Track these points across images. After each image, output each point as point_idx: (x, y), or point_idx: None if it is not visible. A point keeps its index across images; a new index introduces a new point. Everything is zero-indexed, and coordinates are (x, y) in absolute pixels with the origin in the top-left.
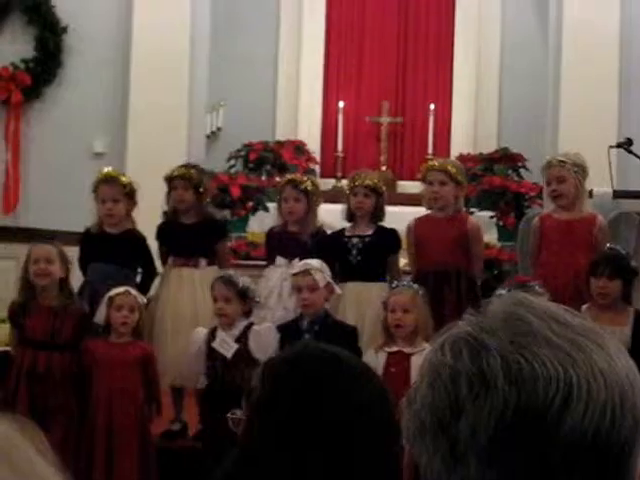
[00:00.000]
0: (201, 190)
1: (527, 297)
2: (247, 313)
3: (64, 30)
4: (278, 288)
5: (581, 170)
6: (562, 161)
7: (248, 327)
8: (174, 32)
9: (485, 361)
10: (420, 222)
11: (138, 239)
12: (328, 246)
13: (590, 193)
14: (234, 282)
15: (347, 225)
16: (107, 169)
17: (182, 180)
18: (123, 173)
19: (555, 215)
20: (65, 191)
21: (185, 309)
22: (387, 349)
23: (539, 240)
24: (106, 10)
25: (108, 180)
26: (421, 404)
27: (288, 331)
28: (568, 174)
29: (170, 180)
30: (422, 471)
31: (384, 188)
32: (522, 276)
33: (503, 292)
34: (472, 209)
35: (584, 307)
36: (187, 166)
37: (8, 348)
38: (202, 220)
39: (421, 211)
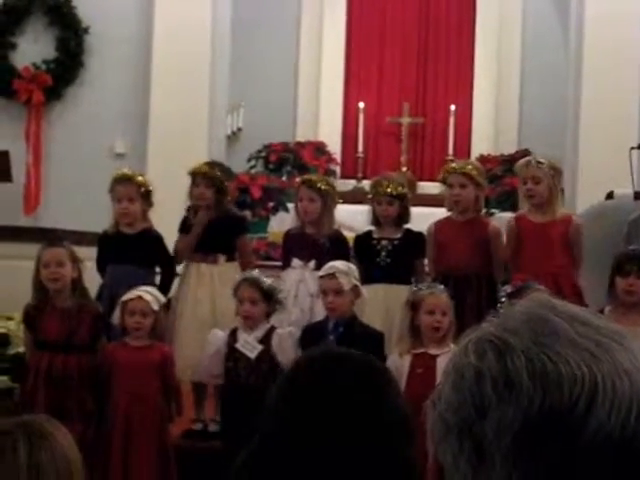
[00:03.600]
0: (221, 189)
1: (550, 299)
2: (269, 314)
3: (85, 31)
4: (294, 290)
5: (556, 173)
6: (540, 162)
7: (271, 330)
8: (195, 33)
9: (510, 361)
10: (440, 225)
11: (155, 238)
12: (356, 248)
13: (611, 194)
14: (260, 283)
15: (373, 228)
16: (124, 169)
17: (204, 178)
18: (140, 173)
19: (530, 217)
20: (86, 192)
21: (204, 305)
22: (413, 351)
23: (515, 240)
24: (127, 11)
25: (123, 180)
26: (445, 405)
27: (313, 332)
28: (544, 176)
29: (193, 176)
30: (447, 472)
31: (407, 192)
32: (521, 275)
33: (508, 290)
34: (492, 210)
35: (607, 309)
36: (211, 164)
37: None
38: (221, 216)
39: (441, 212)
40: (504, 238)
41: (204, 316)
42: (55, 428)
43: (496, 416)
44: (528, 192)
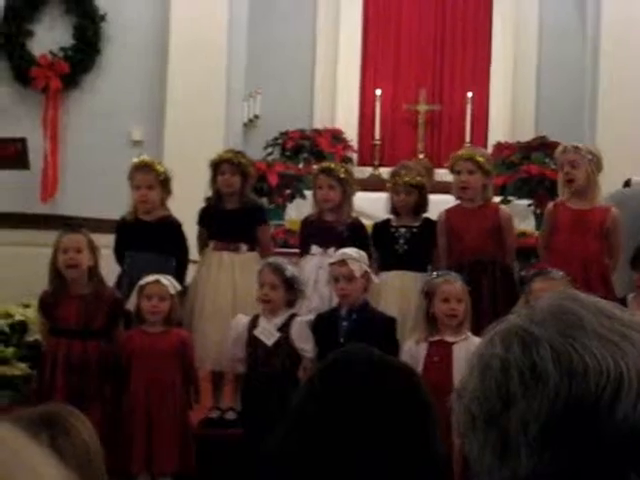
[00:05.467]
0: (247, 176)
1: (576, 292)
2: (291, 303)
3: (102, 18)
4: (314, 277)
5: (595, 159)
6: (577, 147)
7: (291, 317)
8: (212, 20)
9: (536, 352)
10: (451, 213)
11: (173, 226)
12: (374, 236)
13: (628, 182)
14: (282, 269)
15: (392, 216)
16: (143, 156)
17: (231, 165)
18: (159, 161)
19: (568, 204)
20: (103, 179)
21: (225, 294)
22: (429, 338)
23: (551, 226)
24: None
25: (143, 167)
26: (471, 397)
27: (326, 319)
28: (582, 160)
29: (217, 164)
30: (472, 464)
31: (425, 181)
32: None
33: (525, 274)
34: (509, 197)
35: (630, 296)
36: (234, 151)
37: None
38: (243, 205)
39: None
40: (514, 224)
41: (224, 305)
42: (76, 419)
43: (522, 407)
44: (566, 176)
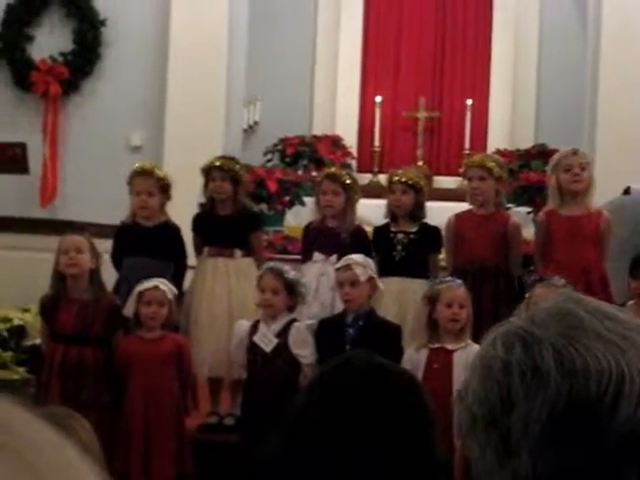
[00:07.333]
0: (238, 182)
1: (578, 294)
2: (291, 308)
3: (102, 23)
4: (315, 283)
5: (591, 167)
6: (584, 152)
7: (290, 323)
8: (212, 26)
9: (538, 353)
10: (460, 218)
11: (173, 231)
12: (373, 239)
13: (627, 189)
14: (284, 274)
15: (390, 221)
16: (143, 163)
17: (221, 171)
18: (159, 167)
19: (560, 211)
20: (102, 184)
21: (220, 299)
22: (429, 345)
23: (546, 236)
24: (144, 3)
25: (143, 173)
26: (473, 398)
27: (330, 326)
28: (587, 166)
29: (208, 171)
30: (474, 466)
31: (423, 184)
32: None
33: (531, 280)
34: (509, 205)
35: (629, 303)
36: (225, 157)
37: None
38: (237, 211)
39: (457, 206)
40: (523, 234)
41: (219, 311)
42: (76, 421)
43: (523, 408)
44: (575, 177)
